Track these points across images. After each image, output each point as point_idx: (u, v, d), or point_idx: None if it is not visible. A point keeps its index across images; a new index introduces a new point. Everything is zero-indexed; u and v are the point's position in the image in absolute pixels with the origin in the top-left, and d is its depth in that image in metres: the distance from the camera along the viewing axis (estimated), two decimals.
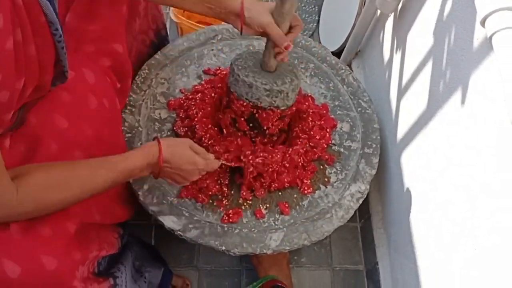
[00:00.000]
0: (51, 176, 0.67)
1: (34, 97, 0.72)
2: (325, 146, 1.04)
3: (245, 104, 0.92)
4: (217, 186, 0.96)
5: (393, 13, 1.11)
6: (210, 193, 0.95)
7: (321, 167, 1.02)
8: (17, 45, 0.59)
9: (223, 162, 0.92)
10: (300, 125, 1.03)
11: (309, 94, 1.11)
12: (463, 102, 0.75)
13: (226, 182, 0.97)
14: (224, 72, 1.11)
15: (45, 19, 0.63)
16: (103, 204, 0.83)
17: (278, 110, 0.93)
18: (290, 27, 0.86)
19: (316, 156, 1.02)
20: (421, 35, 0.94)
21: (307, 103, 1.07)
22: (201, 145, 0.93)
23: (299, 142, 1.00)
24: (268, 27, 0.83)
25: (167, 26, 1.58)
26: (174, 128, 1.02)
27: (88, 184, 0.71)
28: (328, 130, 1.06)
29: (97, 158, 0.74)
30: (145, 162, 0.78)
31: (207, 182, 0.95)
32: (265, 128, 0.95)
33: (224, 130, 0.99)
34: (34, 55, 0.63)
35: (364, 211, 1.27)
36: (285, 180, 0.97)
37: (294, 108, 0.98)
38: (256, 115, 0.93)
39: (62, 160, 0.74)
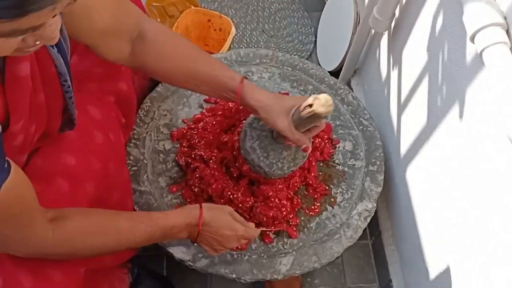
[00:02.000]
0: (90, 223, 0.68)
1: (41, 144, 0.73)
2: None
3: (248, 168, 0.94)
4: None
5: (387, 32, 1.12)
6: None
7: (326, 187, 1.02)
8: (30, 93, 0.61)
9: (263, 229, 0.91)
10: None
11: None
12: (460, 116, 0.76)
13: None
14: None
15: (55, 70, 0.66)
16: None
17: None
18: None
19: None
20: (416, 51, 0.95)
21: None
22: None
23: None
24: (285, 133, 0.79)
25: None
26: (176, 158, 1.04)
27: (126, 236, 0.72)
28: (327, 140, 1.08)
29: (139, 212, 0.76)
30: (184, 222, 0.78)
31: None
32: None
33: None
34: (43, 103, 0.66)
35: (374, 228, 1.26)
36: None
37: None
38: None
39: (75, 196, 0.74)
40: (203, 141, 1.02)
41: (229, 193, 0.94)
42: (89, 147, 0.80)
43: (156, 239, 0.76)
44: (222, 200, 0.95)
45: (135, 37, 0.78)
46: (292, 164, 0.90)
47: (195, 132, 1.06)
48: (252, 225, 0.86)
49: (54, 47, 0.64)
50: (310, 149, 0.82)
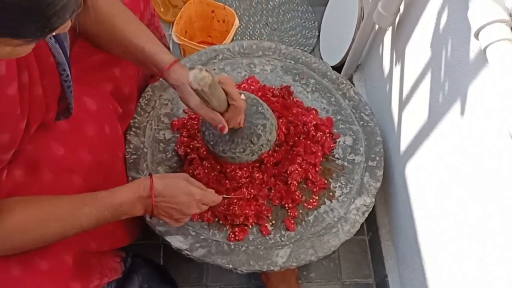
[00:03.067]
0: (28, 216, 0.65)
1: (37, 133, 0.73)
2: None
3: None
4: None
5: (391, 27, 1.12)
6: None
7: (325, 181, 1.03)
8: (23, 87, 0.60)
9: (225, 196, 0.91)
10: (303, 139, 1.04)
11: (313, 107, 1.12)
12: (462, 113, 0.76)
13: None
14: None
15: (54, 60, 0.65)
16: (98, 232, 0.81)
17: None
18: (229, 104, 0.80)
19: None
20: (419, 48, 0.95)
21: (311, 116, 1.08)
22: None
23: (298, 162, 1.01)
24: (196, 110, 0.80)
25: (170, 47, 1.61)
26: (176, 147, 1.04)
27: (70, 222, 0.69)
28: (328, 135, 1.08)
29: (82, 195, 0.72)
30: (135, 196, 0.74)
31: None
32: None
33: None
34: (40, 95, 0.65)
35: (371, 224, 1.26)
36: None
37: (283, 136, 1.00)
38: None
39: (60, 187, 0.74)
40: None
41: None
42: (80, 138, 0.79)
43: (106, 220, 0.72)
44: None
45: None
46: (243, 149, 0.90)
47: (195, 122, 1.06)
48: (211, 191, 0.84)
49: (52, 37, 0.63)
50: (226, 129, 0.81)
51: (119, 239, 0.91)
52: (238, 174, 0.96)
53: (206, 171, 0.97)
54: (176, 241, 0.93)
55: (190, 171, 0.98)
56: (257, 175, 0.97)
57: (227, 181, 0.96)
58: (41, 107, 0.67)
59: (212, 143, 0.92)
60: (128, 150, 1.02)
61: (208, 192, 0.83)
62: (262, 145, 0.92)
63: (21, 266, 0.65)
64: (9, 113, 0.59)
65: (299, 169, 0.99)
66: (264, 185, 0.98)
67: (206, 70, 0.70)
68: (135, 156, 1.02)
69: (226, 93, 0.79)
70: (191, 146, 1.01)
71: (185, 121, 1.07)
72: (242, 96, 0.85)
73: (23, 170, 0.72)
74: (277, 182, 0.99)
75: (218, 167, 0.97)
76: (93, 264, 0.80)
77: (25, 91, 0.61)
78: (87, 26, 0.83)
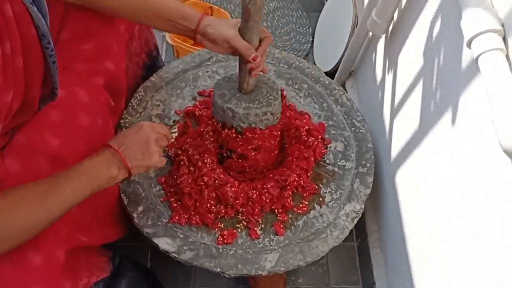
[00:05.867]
0: (7, 200, 0.62)
1: (24, 117, 0.71)
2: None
3: (231, 131, 0.94)
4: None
5: (384, 35, 1.13)
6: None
7: (316, 186, 1.02)
8: (6, 57, 0.58)
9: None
10: (295, 143, 1.03)
11: (306, 111, 1.13)
12: (453, 121, 0.76)
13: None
14: None
15: (36, 32, 0.63)
16: (89, 226, 0.81)
17: (266, 130, 0.94)
18: (260, 40, 0.84)
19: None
20: (412, 56, 0.95)
21: (304, 120, 1.08)
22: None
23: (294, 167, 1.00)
24: (232, 40, 0.82)
25: (163, 49, 1.61)
26: (166, 148, 1.03)
27: (52, 200, 0.66)
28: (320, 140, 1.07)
29: (52, 174, 0.69)
30: (99, 157, 0.74)
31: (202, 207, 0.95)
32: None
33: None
34: (21, 67, 0.62)
35: (360, 231, 1.26)
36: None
37: (281, 122, 1.00)
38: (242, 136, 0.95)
39: None
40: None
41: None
42: (74, 129, 0.79)
43: (91, 189, 0.71)
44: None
45: None
46: (263, 105, 0.91)
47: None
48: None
49: (34, 5, 0.61)
50: (259, 59, 0.83)
51: (110, 233, 0.90)
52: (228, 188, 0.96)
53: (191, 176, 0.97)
54: (164, 243, 0.92)
55: (175, 176, 0.98)
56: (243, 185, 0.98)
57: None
58: (21, 80, 0.64)
59: (232, 108, 0.91)
60: None
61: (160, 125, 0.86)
62: (271, 112, 0.92)
63: (12, 259, 0.64)
64: None
65: (297, 178, 0.99)
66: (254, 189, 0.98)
67: None
68: None
69: None
70: (183, 148, 1.01)
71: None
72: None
73: (17, 160, 0.71)
74: (269, 187, 0.98)
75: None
76: (81, 263, 0.79)
77: (7, 61, 0.59)
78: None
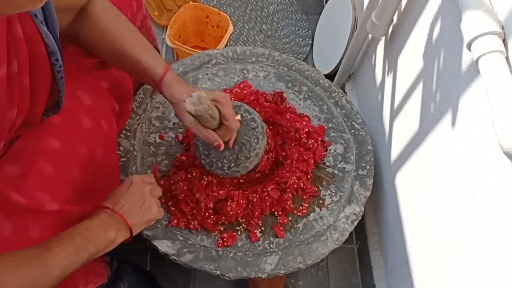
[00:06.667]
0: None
1: (25, 130, 0.71)
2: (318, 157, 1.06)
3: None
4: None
5: (384, 37, 1.13)
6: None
7: (316, 189, 1.02)
8: (12, 76, 0.59)
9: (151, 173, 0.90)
10: (294, 145, 1.03)
11: (305, 114, 1.13)
12: (453, 123, 0.76)
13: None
14: None
15: (46, 50, 0.64)
16: None
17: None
18: (221, 123, 0.81)
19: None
20: (411, 58, 0.95)
21: (304, 123, 1.08)
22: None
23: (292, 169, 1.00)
24: (191, 129, 0.81)
25: (163, 51, 1.61)
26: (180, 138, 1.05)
27: (42, 264, 0.61)
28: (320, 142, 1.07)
29: (43, 242, 0.65)
30: (94, 219, 0.71)
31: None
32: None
33: None
34: (27, 86, 0.63)
35: (360, 233, 1.26)
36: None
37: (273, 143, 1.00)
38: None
39: (59, 178, 0.72)
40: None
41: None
42: (75, 131, 0.78)
43: (77, 252, 0.66)
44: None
45: (80, 9, 0.79)
46: (233, 165, 0.88)
47: None
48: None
49: (44, 24, 0.62)
50: (222, 147, 0.82)
51: None
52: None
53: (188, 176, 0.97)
54: (164, 246, 0.92)
55: (171, 181, 0.98)
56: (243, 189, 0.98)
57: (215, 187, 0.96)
58: (26, 99, 0.65)
59: (206, 159, 0.90)
60: (118, 152, 1.01)
61: (144, 175, 0.84)
62: (255, 156, 0.90)
63: None
64: None
65: (296, 181, 0.99)
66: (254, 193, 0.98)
67: (202, 97, 0.72)
68: (124, 159, 1.01)
69: (220, 113, 0.80)
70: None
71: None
72: (238, 117, 0.86)
73: (16, 165, 0.70)
74: (270, 189, 0.98)
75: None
76: (77, 269, 0.79)
77: (14, 80, 0.59)
78: (82, 35, 0.82)
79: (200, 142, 0.90)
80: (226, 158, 0.88)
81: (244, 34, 1.67)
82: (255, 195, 0.96)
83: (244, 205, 0.95)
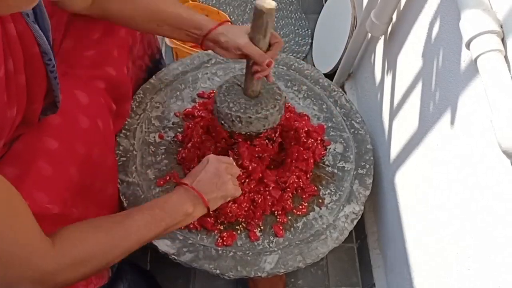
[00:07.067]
0: (87, 251, 0.63)
1: (24, 130, 0.71)
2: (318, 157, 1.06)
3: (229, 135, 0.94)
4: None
5: (383, 36, 1.13)
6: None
7: (315, 188, 1.02)
8: (9, 74, 0.59)
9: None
10: (295, 144, 1.03)
11: (305, 113, 1.13)
12: (452, 122, 0.76)
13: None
14: None
15: (39, 49, 0.64)
16: None
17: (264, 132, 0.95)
18: (270, 45, 0.86)
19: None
20: (410, 57, 0.95)
21: (303, 122, 1.08)
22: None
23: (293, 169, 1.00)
24: (245, 48, 0.83)
25: (163, 50, 1.61)
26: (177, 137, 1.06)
27: (128, 240, 0.69)
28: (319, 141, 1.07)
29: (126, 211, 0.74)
30: (173, 195, 0.77)
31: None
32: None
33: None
34: (23, 84, 0.64)
35: (360, 232, 1.26)
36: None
37: (280, 125, 1.00)
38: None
39: (58, 179, 0.72)
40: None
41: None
42: (73, 131, 0.78)
43: (156, 223, 0.72)
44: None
45: None
46: (242, 111, 0.90)
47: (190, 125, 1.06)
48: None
49: (36, 24, 0.62)
50: (273, 64, 0.85)
51: None
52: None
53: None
54: (164, 245, 0.92)
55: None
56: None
57: None
58: (23, 97, 0.65)
59: (236, 113, 0.91)
60: (117, 152, 1.01)
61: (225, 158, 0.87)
62: (264, 118, 0.92)
63: None
64: None
65: (296, 180, 0.99)
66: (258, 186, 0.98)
67: None
68: (124, 159, 1.01)
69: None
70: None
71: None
72: None
73: (15, 167, 0.70)
74: (270, 188, 0.98)
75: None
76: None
77: (11, 78, 0.60)
78: (113, 11, 0.84)
79: (231, 100, 0.92)
80: (240, 104, 0.91)
81: None
82: (259, 196, 0.96)
83: (246, 208, 0.95)
